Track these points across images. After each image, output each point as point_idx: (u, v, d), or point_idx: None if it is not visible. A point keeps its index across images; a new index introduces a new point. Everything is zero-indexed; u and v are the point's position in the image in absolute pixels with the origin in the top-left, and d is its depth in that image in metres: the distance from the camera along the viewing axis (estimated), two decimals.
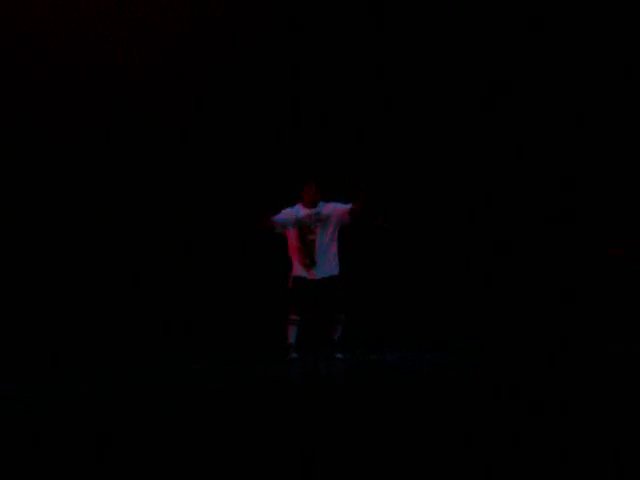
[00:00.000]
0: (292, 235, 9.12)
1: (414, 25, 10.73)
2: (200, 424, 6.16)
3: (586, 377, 7.82)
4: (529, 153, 10.83)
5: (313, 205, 9.15)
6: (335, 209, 9.16)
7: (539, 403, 6.58)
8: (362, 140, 10.69)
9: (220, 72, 10.48)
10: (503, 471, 4.80)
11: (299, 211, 9.15)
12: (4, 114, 10.05)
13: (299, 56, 10.60)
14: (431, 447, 5.36)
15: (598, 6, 10.73)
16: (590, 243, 10.62)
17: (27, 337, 9.73)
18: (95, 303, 10.05)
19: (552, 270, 10.63)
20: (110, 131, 10.17)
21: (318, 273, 9.10)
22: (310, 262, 9.08)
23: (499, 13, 10.78)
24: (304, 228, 9.09)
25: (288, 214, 9.15)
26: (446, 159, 10.78)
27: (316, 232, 9.09)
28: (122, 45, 10.25)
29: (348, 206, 9.13)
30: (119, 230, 10.18)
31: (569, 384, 7.51)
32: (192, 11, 10.40)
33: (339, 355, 9.15)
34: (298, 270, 9.12)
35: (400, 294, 10.60)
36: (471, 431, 5.71)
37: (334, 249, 9.17)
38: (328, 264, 9.13)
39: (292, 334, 9.05)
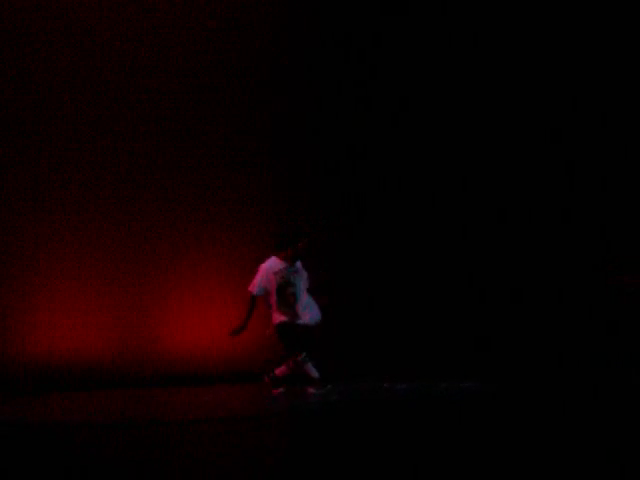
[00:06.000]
0: (272, 289, 9.19)
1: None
2: None
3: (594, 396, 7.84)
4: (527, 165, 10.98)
5: (295, 261, 9.25)
6: (302, 269, 9.30)
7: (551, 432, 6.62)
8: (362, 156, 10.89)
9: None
10: None
11: (275, 265, 9.18)
12: None
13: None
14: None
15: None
16: (593, 265, 10.68)
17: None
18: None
19: (554, 291, 10.71)
20: None
21: (300, 320, 9.19)
22: (293, 313, 9.17)
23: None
24: (284, 282, 9.17)
25: (266, 279, 9.13)
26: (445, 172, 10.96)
27: (295, 284, 9.21)
28: None
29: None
30: None
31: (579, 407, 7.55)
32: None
33: (279, 390, 9.21)
34: (280, 317, 9.15)
35: (407, 321, 10.72)
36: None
37: (307, 296, 9.29)
38: (309, 312, 9.22)
39: (311, 370, 9.16)
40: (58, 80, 10.42)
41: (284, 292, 9.16)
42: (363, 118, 10.89)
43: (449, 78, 10.94)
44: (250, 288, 9.14)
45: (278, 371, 9.25)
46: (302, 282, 9.25)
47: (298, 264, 9.27)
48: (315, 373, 9.14)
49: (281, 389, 9.22)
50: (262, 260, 9.30)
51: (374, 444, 6.44)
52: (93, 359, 10.18)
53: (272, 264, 9.20)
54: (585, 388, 8.95)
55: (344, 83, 10.87)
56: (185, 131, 10.63)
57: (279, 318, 9.17)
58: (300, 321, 9.15)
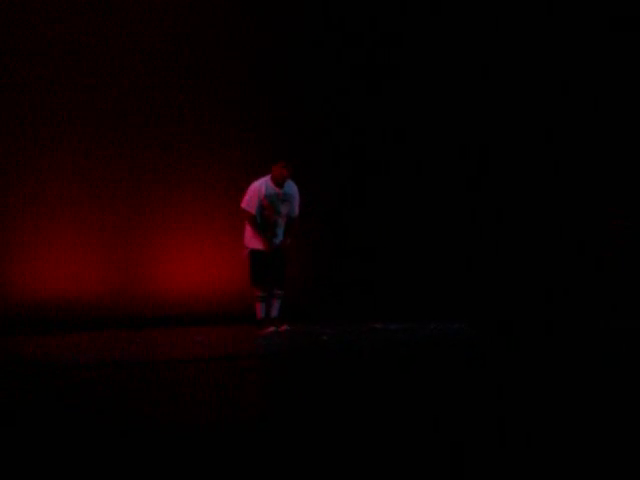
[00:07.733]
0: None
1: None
2: None
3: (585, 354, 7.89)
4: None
5: (282, 184, 9.26)
6: (295, 196, 9.32)
7: (532, 380, 6.67)
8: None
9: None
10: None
11: (267, 188, 9.21)
12: None
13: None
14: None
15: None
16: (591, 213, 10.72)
17: None
18: None
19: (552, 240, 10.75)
20: None
21: (275, 243, 9.28)
22: (272, 235, 9.25)
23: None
24: (270, 206, 9.21)
25: (257, 200, 9.20)
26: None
27: (281, 211, 9.26)
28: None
29: (294, 210, 9.34)
30: None
31: (564, 359, 7.60)
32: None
33: (286, 327, 9.35)
34: (256, 242, 9.26)
35: (407, 264, 10.80)
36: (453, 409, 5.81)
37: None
38: (283, 235, 9.32)
39: (262, 310, 9.31)
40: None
41: (269, 216, 9.22)
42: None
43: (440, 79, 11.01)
44: (247, 208, 9.22)
45: (258, 315, 9.38)
46: (286, 209, 9.28)
47: (293, 190, 9.31)
48: (262, 314, 9.28)
49: (269, 329, 9.30)
50: None
51: (366, 383, 6.52)
52: (85, 300, 10.17)
53: (263, 187, 9.22)
54: (573, 328, 9.03)
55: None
56: (180, 61, 10.58)
57: (256, 244, 9.23)
58: (275, 241, 9.22)
